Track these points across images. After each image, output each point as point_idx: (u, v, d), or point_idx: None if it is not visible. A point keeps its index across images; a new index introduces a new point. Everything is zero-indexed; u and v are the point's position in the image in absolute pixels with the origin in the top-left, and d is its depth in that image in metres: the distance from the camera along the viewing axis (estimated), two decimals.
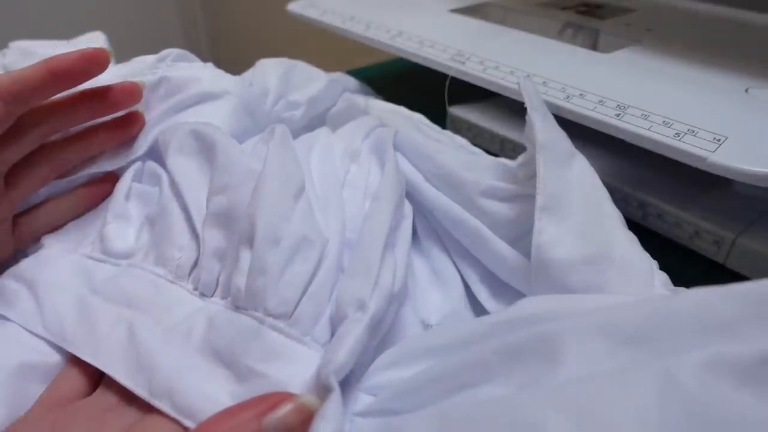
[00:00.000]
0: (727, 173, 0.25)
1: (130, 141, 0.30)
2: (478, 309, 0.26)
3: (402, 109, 0.36)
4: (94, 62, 0.25)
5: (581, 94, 0.30)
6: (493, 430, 0.14)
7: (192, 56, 0.35)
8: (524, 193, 0.25)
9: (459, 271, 0.27)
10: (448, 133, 0.35)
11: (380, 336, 0.21)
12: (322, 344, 0.21)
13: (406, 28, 0.40)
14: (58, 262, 0.26)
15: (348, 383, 0.20)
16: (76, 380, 0.22)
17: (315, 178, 0.26)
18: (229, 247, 0.23)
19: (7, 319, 0.24)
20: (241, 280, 0.22)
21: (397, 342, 0.22)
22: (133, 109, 0.30)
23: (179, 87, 0.31)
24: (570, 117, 0.30)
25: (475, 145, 0.34)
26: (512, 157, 0.30)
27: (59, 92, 0.26)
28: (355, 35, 0.41)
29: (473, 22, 0.41)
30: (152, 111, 0.30)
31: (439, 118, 0.38)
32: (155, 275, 0.24)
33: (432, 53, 0.37)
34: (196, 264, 0.24)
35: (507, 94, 0.33)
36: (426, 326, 0.24)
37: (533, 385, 0.16)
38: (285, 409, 0.17)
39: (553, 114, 0.26)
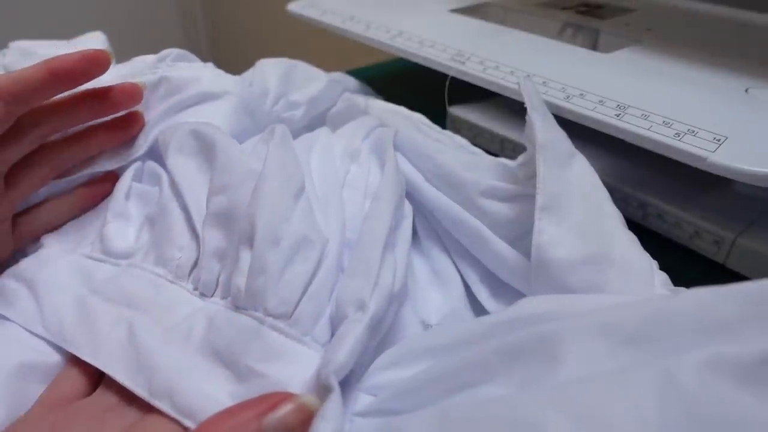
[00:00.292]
0: (727, 173, 0.25)
1: (130, 141, 0.30)
2: (478, 309, 0.26)
3: (402, 109, 0.36)
4: (95, 63, 0.25)
5: (581, 94, 0.30)
6: (493, 430, 0.14)
7: (192, 56, 0.35)
8: (524, 193, 0.25)
9: (459, 271, 0.27)
10: (448, 133, 0.35)
11: (380, 336, 0.21)
12: (322, 344, 0.21)
13: (406, 28, 0.40)
14: (58, 262, 0.26)
15: (348, 383, 0.20)
16: (76, 380, 0.22)
17: (315, 178, 0.26)
18: (229, 247, 0.23)
19: (7, 319, 0.24)
20: (241, 280, 0.22)
21: (397, 342, 0.22)
22: (133, 109, 0.30)
23: (179, 87, 0.31)
24: (570, 117, 0.30)
25: (475, 145, 0.34)
26: (512, 157, 0.30)
27: (60, 93, 0.26)
28: (355, 35, 0.41)
29: (473, 22, 0.41)
30: (152, 111, 0.30)
31: (439, 118, 0.38)
32: (155, 275, 0.24)
33: (432, 53, 0.37)
34: (196, 264, 0.24)
35: (507, 94, 0.33)
36: (426, 326, 0.24)
37: (533, 385, 0.16)
38: (285, 409, 0.17)
39: (553, 114, 0.26)
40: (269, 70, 0.35)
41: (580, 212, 0.22)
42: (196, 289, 0.23)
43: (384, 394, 0.19)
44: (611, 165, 0.33)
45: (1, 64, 0.32)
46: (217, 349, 0.21)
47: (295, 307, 0.21)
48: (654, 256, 0.23)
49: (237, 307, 0.22)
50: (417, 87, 0.45)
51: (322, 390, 0.18)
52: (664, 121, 0.27)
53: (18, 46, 0.33)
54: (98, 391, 0.22)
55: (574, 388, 0.14)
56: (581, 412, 0.13)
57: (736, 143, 0.25)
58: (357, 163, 0.28)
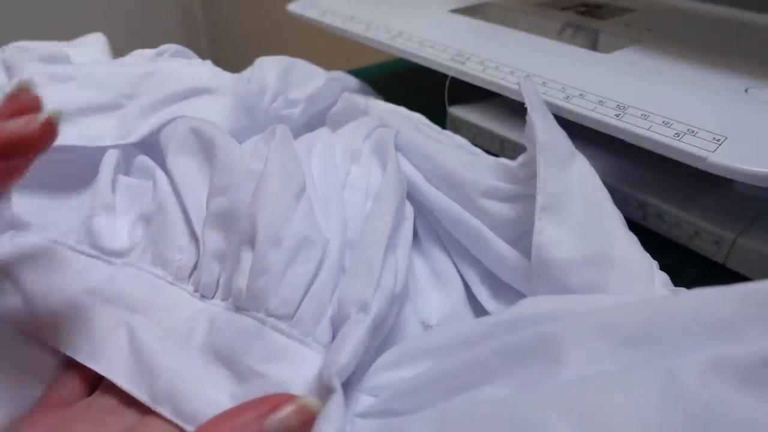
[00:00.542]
0: (727, 173, 0.25)
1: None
2: (479, 310, 0.26)
3: (402, 110, 0.36)
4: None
5: (581, 94, 0.30)
6: (493, 430, 0.14)
7: (190, 53, 0.35)
8: (525, 194, 0.25)
9: (459, 271, 0.27)
10: (448, 133, 0.35)
11: (382, 337, 0.21)
12: (323, 345, 0.21)
13: (406, 28, 0.40)
14: (41, 252, 0.24)
15: (349, 384, 0.20)
16: (76, 382, 0.22)
17: (316, 179, 0.26)
18: (230, 248, 0.23)
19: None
20: (242, 281, 0.21)
21: (397, 343, 0.22)
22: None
23: (173, 79, 0.31)
24: (570, 117, 0.30)
25: (476, 145, 0.34)
26: (512, 157, 0.30)
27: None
28: (355, 35, 0.41)
29: (473, 22, 0.41)
30: (143, 100, 0.30)
31: (439, 118, 0.38)
32: (154, 276, 0.24)
33: (432, 53, 0.37)
34: (196, 266, 0.24)
35: (507, 94, 0.33)
36: (426, 327, 0.24)
37: (534, 385, 0.16)
38: (286, 411, 0.17)
39: (553, 114, 0.26)
40: (268, 68, 0.35)
41: (580, 212, 0.22)
42: (196, 290, 0.23)
43: (385, 394, 0.19)
44: (611, 165, 0.33)
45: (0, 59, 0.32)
46: (218, 349, 0.21)
47: (297, 308, 0.21)
48: (654, 256, 0.23)
49: (238, 308, 0.22)
50: (417, 87, 0.45)
51: (324, 391, 0.18)
52: (663, 121, 0.27)
53: (17, 46, 0.33)
54: (98, 392, 0.22)
55: (575, 389, 0.14)
56: (582, 413, 0.13)
57: (736, 143, 0.25)
58: (358, 164, 0.28)
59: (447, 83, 0.36)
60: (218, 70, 0.34)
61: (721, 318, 0.14)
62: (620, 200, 0.31)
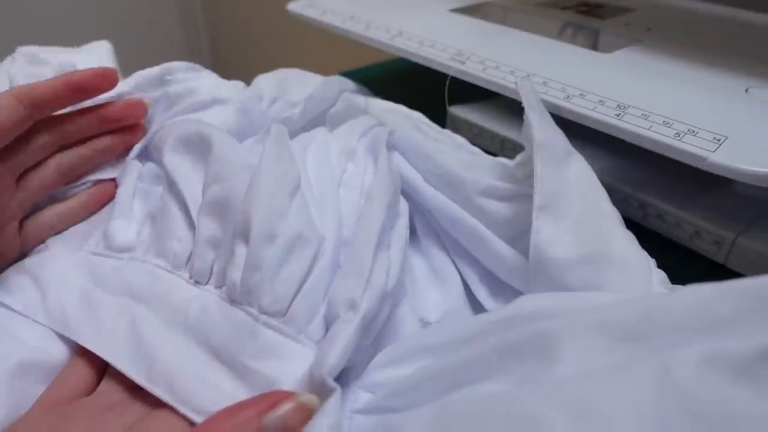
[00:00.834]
0: (727, 173, 0.25)
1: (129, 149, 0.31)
2: (478, 308, 0.26)
3: (401, 108, 0.36)
4: (106, 80, 0.29)
5: (581, 94, 0.30)
6: (490, 424, 0.14)
7: (198, 67, 0.35)
8: (523, 193, 0.25)
9: (458, 270, 0.27)
10: (447, 132, 0.35)
11: (373, 334, 0.21)
12: (316, 342, 0.21)
13: (406, 28, 0.40)
14: (63, 258, 0.26)
15: (347, 381, 0.20)
16: (76, 380, 0.22)
17: (311, 177, 0.26)
18: (224, 236, 0.23)
19: (8, 318, 0.24)
20: (236, 275, 0.22)
21: (396, 340, 0.22)
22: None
23: (178, 99, 0.33)
24: (570, 117, 0.30)
25: (475, 144, 0.34)
26: (512, 157, 0.30)
27: (73, 104, 0.28)
28: (355, 35, 0.41)
29: (473, 22, 0.41)
30: (152, 125, 0.32)
31: (439, 118, 0.38)
32: (155, 266, 0.25)
33: (432, 53, 0.37)
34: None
35: (507, 94, 0.33)
36: (425, 324, 0.24)
37: (531, 382, 0.16)
38: (285, 408, 0.17)
39: (553, 114, 0.26)
40: (264, 81, 0.37)
41: (577, 211, 0.22)
42: (191, 277, 0.24)
43: (383, 391, 0.19)
44: (611, 165, 0.33)
45: (7, 70, 0.32)
46: (214, 344, 0.21)
47: (290, 305, 0.21)
48: (654, 256, 0.23)
49: (232, 301, 0.22)
50: (417, 87, 0.45)
51: (317, 388, 0.18)
52: (664, 121, 0.27)
53: (25, 51, 0.33)
54: (98, 390, 0.22)
55: (572, 384, 0.14)
56: (579, 408, 0.13)
57: (736, 143, 0.25)
58: (353, 162, 0.28)
59: (447, 83, 0.36)
60: (219, 81, 0.35)
61: (717, 314, 0.14)
62: (620, 200, 0.31)
